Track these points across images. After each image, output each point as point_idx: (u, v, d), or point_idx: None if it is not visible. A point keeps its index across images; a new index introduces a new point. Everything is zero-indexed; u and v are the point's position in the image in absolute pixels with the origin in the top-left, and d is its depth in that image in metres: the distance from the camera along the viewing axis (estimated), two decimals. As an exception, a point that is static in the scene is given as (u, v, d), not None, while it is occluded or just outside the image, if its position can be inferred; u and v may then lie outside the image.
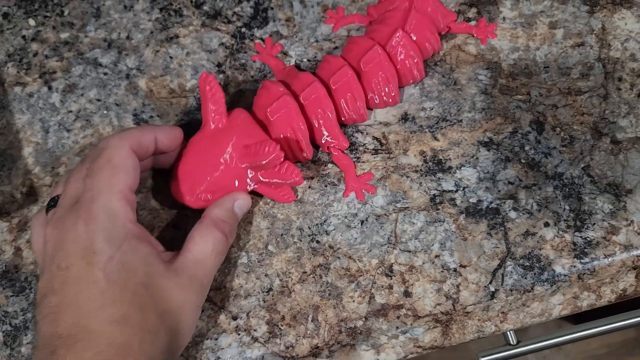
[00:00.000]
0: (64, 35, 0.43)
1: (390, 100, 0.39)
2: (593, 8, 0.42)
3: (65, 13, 0.44)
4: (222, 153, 0.35)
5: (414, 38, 0.39)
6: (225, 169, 0.35)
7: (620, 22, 0.41)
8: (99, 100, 0.41)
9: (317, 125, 0.37)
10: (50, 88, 0.42)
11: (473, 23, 0.42)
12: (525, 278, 0.36)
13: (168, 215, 0.38)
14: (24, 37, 0.43)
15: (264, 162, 0.33)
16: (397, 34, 0.38)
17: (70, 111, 0.41)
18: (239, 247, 0.37)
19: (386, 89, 0.38)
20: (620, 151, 0.38)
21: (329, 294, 0.36)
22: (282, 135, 0.36)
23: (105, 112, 0.41)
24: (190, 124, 0.40)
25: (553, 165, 0.38)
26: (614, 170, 0.38)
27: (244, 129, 0.35)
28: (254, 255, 0.37)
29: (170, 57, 0.42)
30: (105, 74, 0.42)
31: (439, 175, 0.38)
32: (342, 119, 0.38)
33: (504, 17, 0.42)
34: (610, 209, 0.37)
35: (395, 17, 0.39)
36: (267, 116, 0.36)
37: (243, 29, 0.43)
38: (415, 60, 0.38)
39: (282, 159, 0.33)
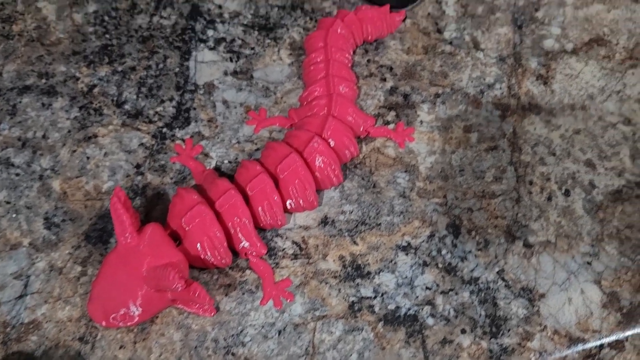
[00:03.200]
0: (-24, 134, 0.42)
1: (308, 206, 0.39)
2: (505, 113, 0.44)
3: (-21, 110, 0.42)
4: (131, 274, 0.34)
5: (332, 144, 0.39)
6: (134, 290, 0.34)
7: (530, 126, 0.44)
8: (8, 202, 0.40)
9: (233, 232, 0.37)
10: (-44, 189, 0.40)
11: (392, 126, 0.43)
12: (443, 388, 0.35)
13: (75, 327, 0.36)
14: None
15: (166, 289, 0.32)
16: (315, 141, 0.38)
17: (-23, 214, 0.39)
18: (150, 362, 0.35)
19: (303, 195, 0.38)
20: (532, 254, 0.39)
21: (243, 412, 0.35)
22: (198, 244, 0.36)
23: (14, 215, 0.39)
24: (104, 229, 0.39)
25: (469, 270, 0.39)
26: (527, 274, 0.39)
27: (154, 246, 0.35)
28: (165, 370, 0.35)
29: (87, 158, 0.41)
30: (18, 174, 0.40)
31: (358, 280, 0.38)
32: (260, 224, 0.38)
33: (421, 121, 0.44)
34: (525, 314, 0.38)
35: (313, 123, 0.40)
36: (182, 225, 0.36)
37: (164, 129, 0.42)
38: (333, 167, 0.39)
39: (183, 287, 0.33)
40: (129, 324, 0.35)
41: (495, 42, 0.46)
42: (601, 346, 0.37)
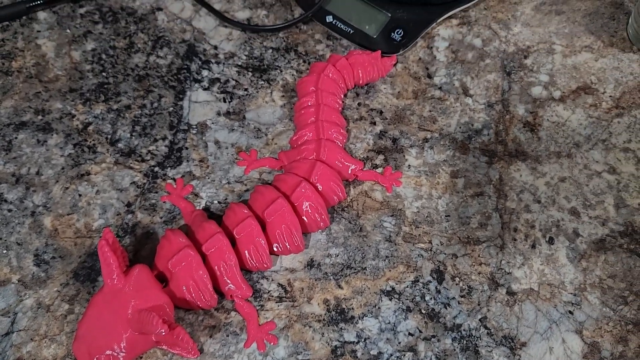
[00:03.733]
0: (-29, 169, 0.42)
1: (294, 249, 0.39)
2: (491, 159, 0.45)
3: (-25, 145, 0.43)
4: (116, 315, 0.34)
5: (320, 188, 0.40)
6: (119, 331, 0.34)
7: (516, 173, 0.44)
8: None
9: (219, 275, 0.37)
10: (-51, 224, 0.41)
11: (380, 170, 0.44)
12: None
13: None
14: None
15: (150, 333, 0.33)
16: (302, 187, 0.39)
17: (-32, 250, 0.40)
18: (132, 403, 0.36)
19: (290, 239, 0.39)
20: (515, 302, 0.40)
21: None
22: (184, 287, 0.36)
23: (4, 251, 0.40)
24: (93, 268, 0.39)
25: (452, 316, 0.39)
26: (510, 322, 0.39)
27: (140, 288, 0.35)
28: (147, 412, 0.36)
29: (80, 195, 0.42)
30: (10, 210, 0.41)
31: (341, 325, 0.39)
32: (247, 267, 0.39)
33: (409, 165, 0.44)
34: (506, 363, 0.38)
35: (302, 167, 0.41)
36: (168, 268, 0.36)
37: (156, 168, 0.43)
38: (320, 211, 0.39)
39: (167, 331, 0.33)
40: (113, 364, 0.35)
41: (484, 89, 0.47)
42: (581, 397, 0.37)
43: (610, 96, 0.47)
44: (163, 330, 0.33)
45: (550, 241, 0.42)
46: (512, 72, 0.48)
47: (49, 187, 0.42)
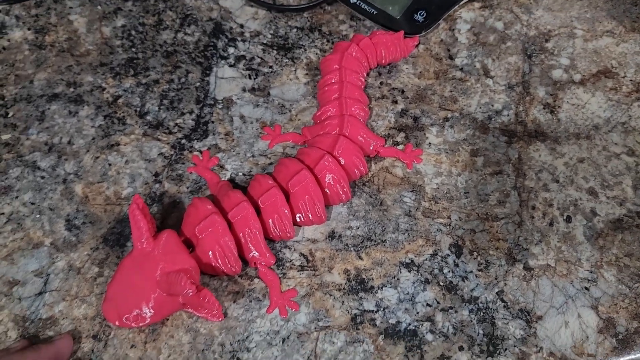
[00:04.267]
0: (5, 137, 0.44)
1: (317, 220, 0.40)
2: (511, 139, 0.45)
3: (10, 115, 0.45)
4: (145, 277, 0.36)
5: (342, 162, 0.41)
6: (147, 293, 0.36)
7: (535, 153, 0.45)
8: (33, 203, 0.42)
9: (244, 242, 0.39)
10: (-15, 189, 0.42)
11: (401, 147, 0.45)
12: (439, 403, 0.37)
13: (90, 325, 0.38)
14: (-35, 136, 0.44)
15: (177, 293, 0.34)
16: (325, 159, 0.40)
17: (2, 213, 0.41)
18: (159, 362, 0.37)
19: (313, 210, 0.40)
20: (532, 278, 0.41)
21: (245, 415, 0.36)
22: (210, 252, 0.38)
23: (38, 216, 0.41)
24: (122, 233, 0.41)
25: (469, 289, 0.40)
26: (526, 297, 0.40)
27: (169, 252, 0.36)
28: (173, 371, 0.37)
29: (109, 164, 0.43)
30: (43, 177, 0.43)
31: (361, 294, 0.40)
32: (270, 236, 0.40)
33: (429, 143, 0.45)
34: (522, 335, 0.39)
35: (325, 141, 0.42)
36: (195, 233, 0.38)
37: (183, 141, 0.45)
38: (342, 184, 0.40)
39: (194, 292, 0.34)
40: (140, 324, 0.37)
41: (505, 70, 0.48)
42: (595, 370, 0.38)
43: (631, 80, 0.48)
44: (191, 291, 0.34)
45: (568, 219, 0.43)
46: (533, 55, 0.49)
47: (80, 156, 0.43)
